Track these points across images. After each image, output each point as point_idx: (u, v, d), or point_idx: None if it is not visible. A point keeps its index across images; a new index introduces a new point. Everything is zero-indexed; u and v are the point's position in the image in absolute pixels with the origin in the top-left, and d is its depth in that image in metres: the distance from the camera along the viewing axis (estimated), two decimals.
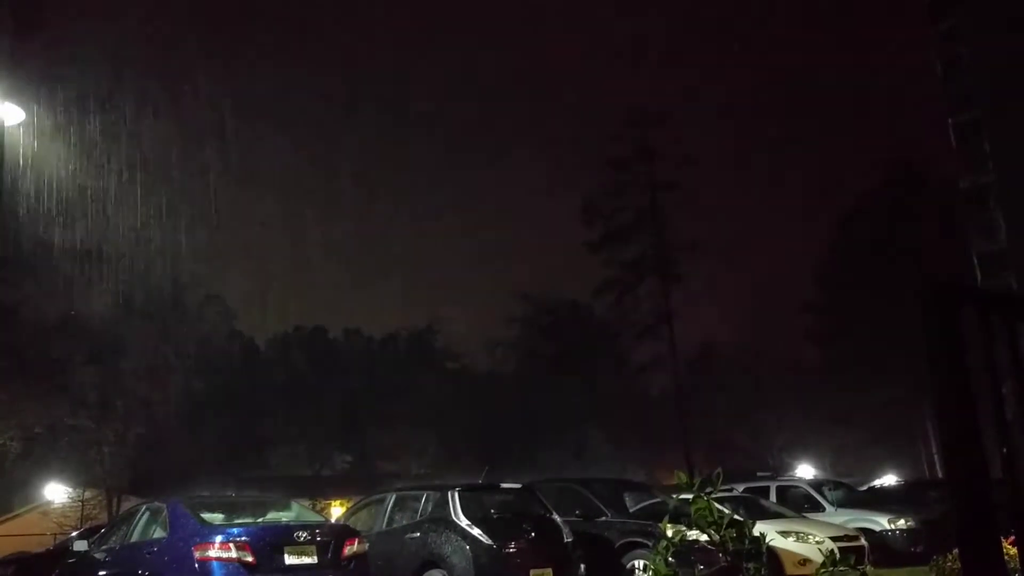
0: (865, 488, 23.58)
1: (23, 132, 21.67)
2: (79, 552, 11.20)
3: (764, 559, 4.66)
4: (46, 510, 31.64)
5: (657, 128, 43.26)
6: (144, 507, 10.89)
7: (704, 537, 4.22)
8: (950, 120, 41.17)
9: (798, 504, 17.22)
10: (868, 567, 11.44)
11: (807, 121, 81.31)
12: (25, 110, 17.11)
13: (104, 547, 10.73)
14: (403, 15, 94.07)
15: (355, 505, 14.22)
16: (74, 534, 20.12)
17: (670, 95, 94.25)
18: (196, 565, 8.93)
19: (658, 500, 13.71)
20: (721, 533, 4.16)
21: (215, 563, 8.89)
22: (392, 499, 12.44)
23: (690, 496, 4.35)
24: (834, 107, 79.67)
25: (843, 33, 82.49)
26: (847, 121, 77.60)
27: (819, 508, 17.12)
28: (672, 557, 4.24)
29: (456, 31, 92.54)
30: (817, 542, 13.31)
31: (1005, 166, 37.43)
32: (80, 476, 32.53)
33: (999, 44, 34.60)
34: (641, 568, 11.77)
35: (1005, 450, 1.76)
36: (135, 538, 10.23)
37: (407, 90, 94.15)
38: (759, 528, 4.53)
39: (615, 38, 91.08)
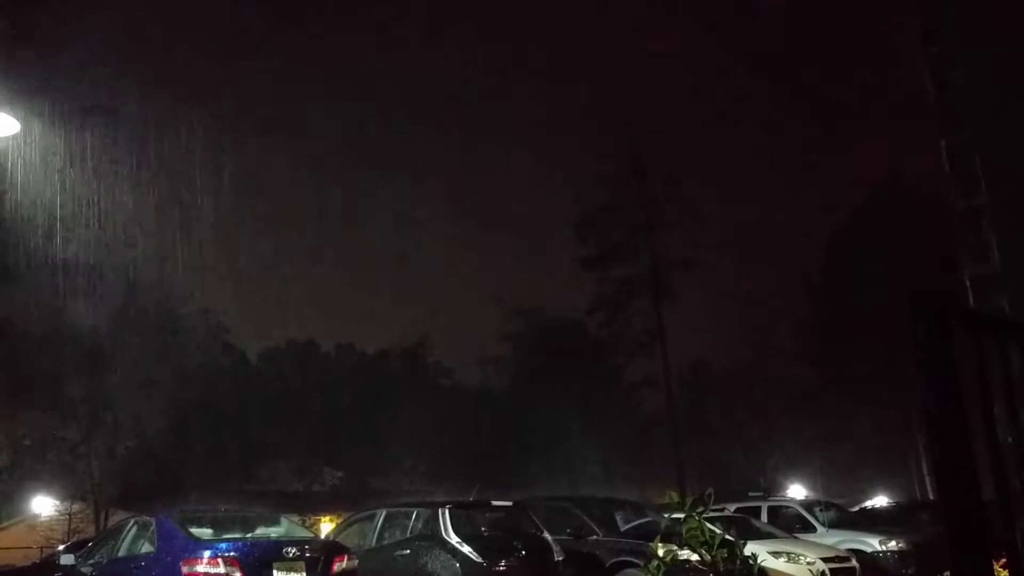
0: (856, 509, 23.58)
1: (17, 144, 21.67)
2: (66, 566, 11.11)
3: None
4: (33, 523, 31.40)
5: (651, 146, 43.42)
6: (132, 521, 10.83)
7: (695, 557, 4.21)
8: (942, 142, 41.43)
9: (789, 524, 17.20)
10: None
11: (800, 140, 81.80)
12: (20, 121, 17.10)
13: (91, 561, 10.66)
14: (386, 27, 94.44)
15: (345, 521, 14.16)
16: (61, 548, 19.96)
17: (664, 114, 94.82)
18: None
19: (650, 519, 13.68)
20: (712, 553, 4.15)
21: None
22: (382, 516, 12.39)
23: (682, 515, 4.34)
24: (827, 127, 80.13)
25: (838, 54, 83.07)
26: (840, 141, 78.06)
27: (810, 529, 17.10)
28: None
29: (448, 44, 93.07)
30: (808, 563, 13.29)
31: (997, 188, 37.65)
32: (68, 489, 32.30)
33: (991, 67, 34.91)
34: None
35: (998, 468, 1.76)
36: (123, 552, 10.17)
37: (401, 102, 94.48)
38: (750, 548, 4.53)
39: (609, 52, 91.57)
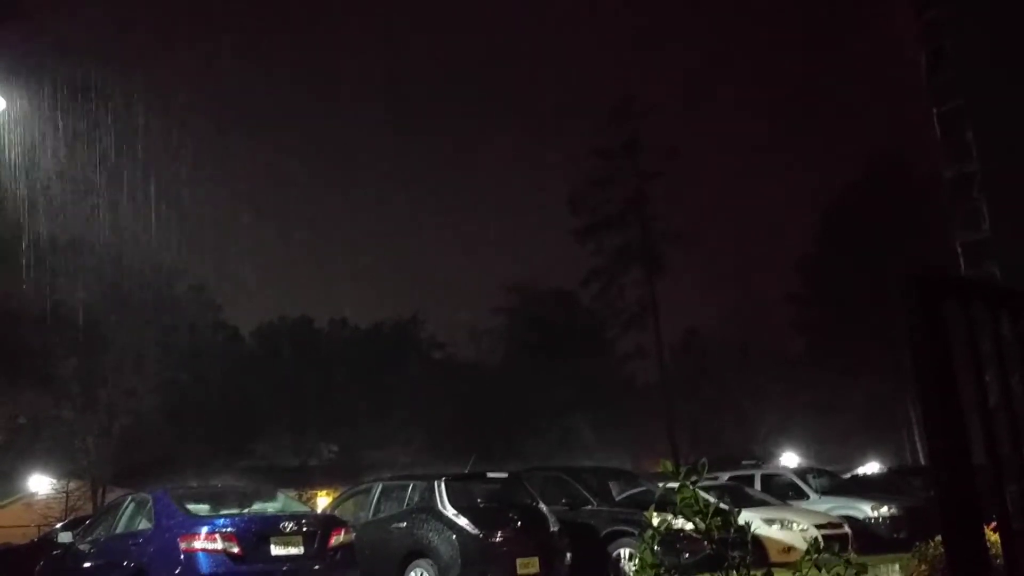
0: (848, 476, 23.78)
1: (3, 121, 21.50)
2: (64, 544, 11.16)
3: (749, 547, 4.70)
4: (30, 501, 31.46)
5: (644, 118, 43.32)
6: (129, 498, 10.87)
7: (689, 526, 4.24)
8: (934, 110, 41.28)
9: (782, 492, 17.35)
10: (852, 554, 11.52)
11: (794, 111, 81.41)
12: (5, 99, 16.97)
13: (89, 538, 10.70)
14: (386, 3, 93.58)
15: (342, 495, 14.23)
16: (59, 525, 20.03)
17: (656, 83, 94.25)
18: (182, 556, 8.92)
19: (644, 489, 13.78)
20: (707, 522, 4.17)
21: (201, 554, 8.88)
22: (378, 489, 12.45)
23: (676, 485, 4.37)
24: (822, 97, 79.82)
25: (830, 23, 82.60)
26: (834, 111, 77.75)
27: (803, 496, 17.25)
28: (658, 545, 4.26)
29: (441, 17, 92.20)
30: (801, 530, 13.42)
31: (988, 156, 37.62)
32: (64, 467, 32.35)
33: (983, 33, 34.77)
34: (627, 557, 11.84)
35: (988, 434, 1.78)
36: (120, 529, 10.21)
37: (392, 77, 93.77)
38: (744, 516, 4.56)
39: (601, 27, 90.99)
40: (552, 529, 11.55)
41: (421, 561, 10.92)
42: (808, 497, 17.18)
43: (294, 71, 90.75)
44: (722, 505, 4.84)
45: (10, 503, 33.16)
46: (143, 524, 9.91)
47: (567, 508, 12.72)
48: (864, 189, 46.50)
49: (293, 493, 17.17)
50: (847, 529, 14.55)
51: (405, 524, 11.32)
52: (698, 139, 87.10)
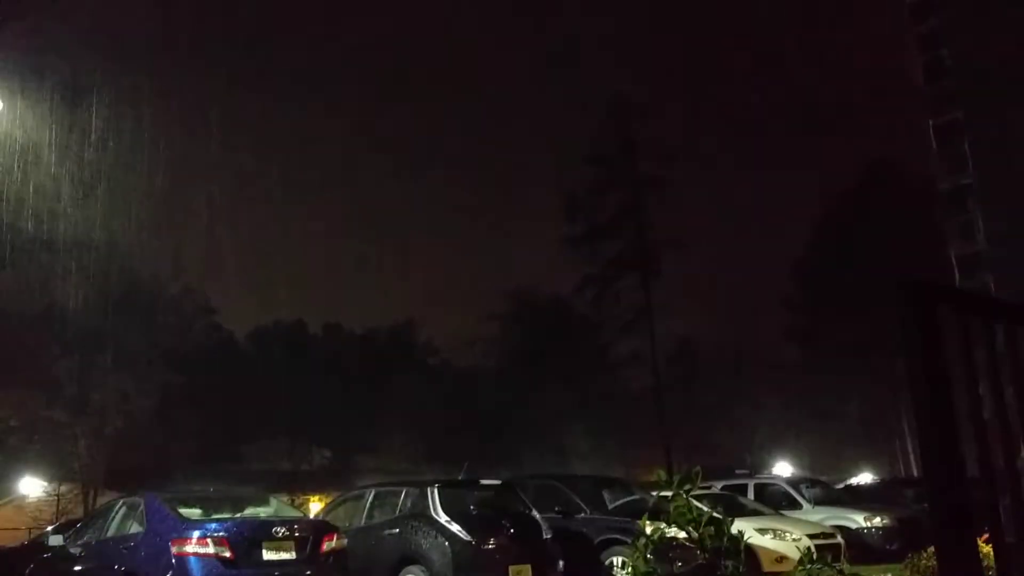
0: (842, 486, 23.80)
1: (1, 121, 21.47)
2: (54, 547, 11.11)
3: (742, 556, 4.68)
4: (21, 504, 31.33)
5: (639, 123, 43.37)
6: (121, 501, 10.83)
7: (683, 534, 4.24)
8: (931, 122, 41.49)
9: (776, 502, 17.33)
10: (844, 564, 11.51)
11: (790, 119, 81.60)
12: (3, 100, 16.95)
13: (80, 542, 10.65)
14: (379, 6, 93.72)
15: (334, 501, 14.19)
16: (49, 528, 19.95)
17: (653, 91, 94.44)
18: (173, 560, 8.87)
19: (637, 497, 13.75)
20: (700, 530, 4.17)
21: (192, 558, 8.84)
22: (371, 495, 12.42)
23: (669, 493, 4.36)
24: (817, 106, 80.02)
25: (829, 32, 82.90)
26: (830, 120, 77.98)
27: (796, 506, 17.23)
28: (651, 554, 4.25)
29: (440, 23, 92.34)
30: (794, 539, 13.39)
31: (984, 168, 37.80)
32: (56, 470, 32.23)
33: (980, 46, 34.91)
34: (619, 565, 11.81)
35: (982, 446, 1.78)
36: (111, 533, 10.17)
37: (389, 82, 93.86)
38: (737, 526, 4.56)
39: (602, 34, 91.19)
40: (545, 537, 11.52)
41: (413, 568, 10.88)
42: (801, 507, 17.16)
43: (297, 80, 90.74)
44: (715, 514, 4.83)
45: (0, 506, 33.02)
46: (134, 527, 9.87)
47: (560, 516, 12.69)
48: (859, 196, 46.62)
49: (285, 498, 17.13)
50: (840, 539, 14.53)
51: (397, 530, 11.29)
52: (694, 143, 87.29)
